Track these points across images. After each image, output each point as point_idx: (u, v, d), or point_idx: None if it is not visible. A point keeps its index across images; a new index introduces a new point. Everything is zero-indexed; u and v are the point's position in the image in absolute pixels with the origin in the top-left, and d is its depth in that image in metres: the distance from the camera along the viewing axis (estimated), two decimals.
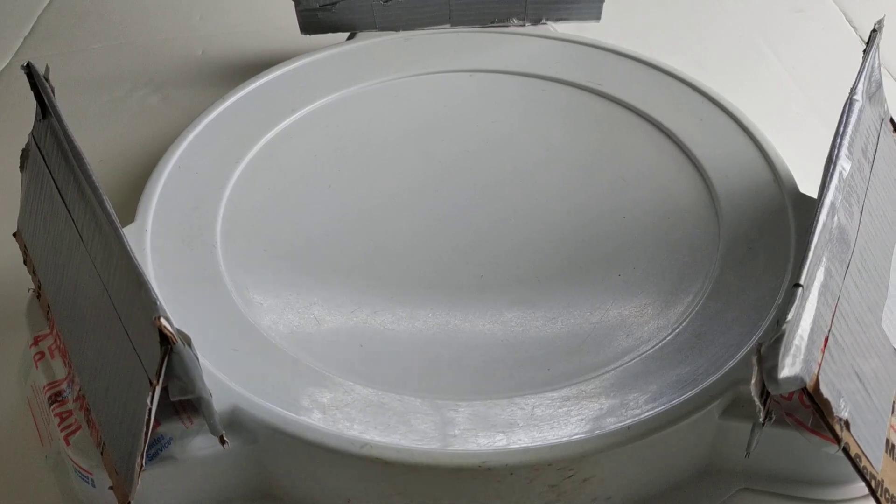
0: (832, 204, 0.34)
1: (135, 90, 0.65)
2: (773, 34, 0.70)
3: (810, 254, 0.32)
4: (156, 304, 0.30)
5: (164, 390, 0.32)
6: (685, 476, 0.39)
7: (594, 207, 0.48)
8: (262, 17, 0.72)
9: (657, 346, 0.40)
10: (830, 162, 0.36)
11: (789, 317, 0.30)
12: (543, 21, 0.61)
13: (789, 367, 0.30)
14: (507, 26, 0.61)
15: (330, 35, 0.61)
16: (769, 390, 0.31)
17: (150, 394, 0.31)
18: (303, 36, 0.62)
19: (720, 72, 0.64)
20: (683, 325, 0.41)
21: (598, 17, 0.62)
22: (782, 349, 0.30)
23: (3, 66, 0.68)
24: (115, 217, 0.34)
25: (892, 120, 0.45)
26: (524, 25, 0.61)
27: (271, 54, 0.65)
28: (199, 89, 0.64)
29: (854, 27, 0.70)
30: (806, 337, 0.31)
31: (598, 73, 0.57)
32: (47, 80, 0.40)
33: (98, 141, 0.60)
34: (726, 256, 0.44)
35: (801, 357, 0.31)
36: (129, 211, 0.46)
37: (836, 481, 0.39)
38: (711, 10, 0.74)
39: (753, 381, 0.30)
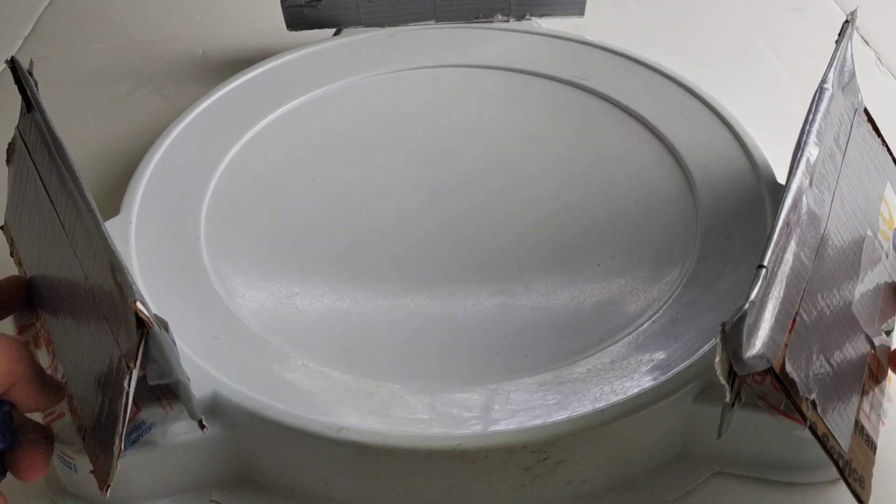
0: (799, 189, 0.35)
1: (135, 90, 0.65)
2: (773, 34, 0.70)
3: (774, 236, 0.33)
4: (132, 287, 0.31)
5: (144, 377, 0.32)
6: (659, 460, 0.39)
7: (575, 199, 0.49)
8: (263, 17, 0.73)
9: (633, 333, 0.41)
10: (798, 148, 0.37)
11: (752, 296, 0.31)
12: (527, 17, 0.62)
13: (755, 347, 0.31)
14: (491, 22, 0.61)
15: (316, 31, 0.62)
16: (735, 370, 0.31)
17: (128, 377, 0.31)
18: (292, 34, 0.62)
19: (720, 72, 0.64)
20: (660, 312, 0.42)
21: (581, 12, 0.62)
22: (745, 329, 0.30)
23: (3, 66, 0.69)
24: (93, 204, 0.34)
25: (866, 110, 0.46)
26: (508, 21, 0.62)
27: (272, 54, 0.66)
28: (200, 89, 0.64)
29: (855, 27, 0.71)
30: (772, 318, 0.32)
31: (580, 67, 0.57)
32: (31, 74, 0.41)
33: (98, 140, 0.60)
34: (704, 245, 0.45)
35: (767, 337, 0.31)
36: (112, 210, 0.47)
37: (808, 465, 0.39)
38: (711, 10, 0.74)
39: (717, 360, 0.31)
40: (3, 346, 0.32)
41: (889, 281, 0.41)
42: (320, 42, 0.60)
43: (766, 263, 0.31)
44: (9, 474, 0.34)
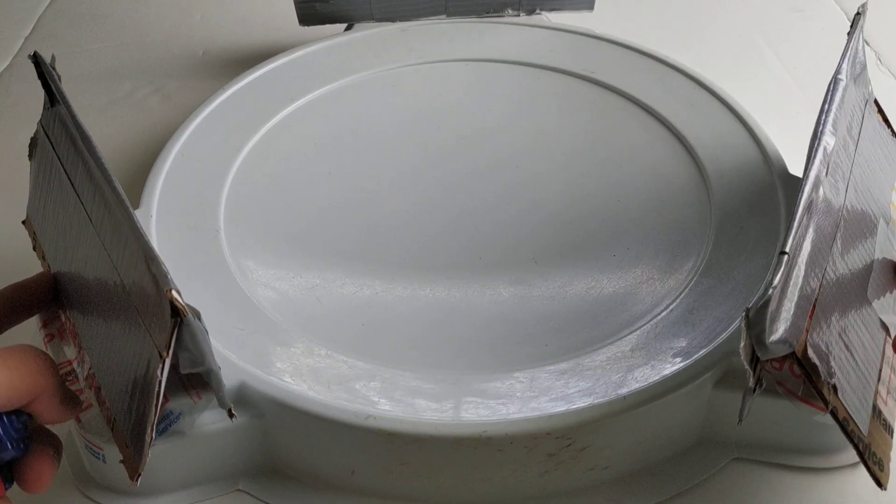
0: (817, 178, 0.36)
1: (135, 91, 0.65)
2: (773, 34, 0.71)
3: (795, 224, 0.33)
4: (167, 276, 0.31)
5: (174, 364, 0.33)
6: (680, 446, 0.40)
7: (589, 191, 0.49)
8: (263, 16, 0.73)
9: (652, 321, 0.41)
10: (815, 138, 0.37)
11: (775, 282, 0.31)
12: (538, 11, 0.62)
13: (777, 332, 0.32)
14: (502, 16, 0.62)
15: (328, 26, 0.62)
16: (758, 355, 0.32)
17: (161, 366, 0.31)
18: (301, 29, 0.63)
19: (720, 71, 0.64)
20: (677, 301, 0.42)
21: (590, 6, 0.63)
22: (769, 314, 0.31)
23: (4, 66, 0.69)
24: (124, 196, 0.35)
25: (876, 101, 0.46)
26: (519, 15, 0.62)
27: (273, 53, 0.66)
28: (200, 90, 0.65)
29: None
30: (793, 304, 0.33)
31: (591, 61, 0.58)
32: (53, 68, 0.41)
33: (98, 141, 0.60)
34: (718, 235, 0.45)
35: (789, 322, 0.32)
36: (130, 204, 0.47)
37: (826, 449, 0.40)
38: (711, 10, 0.74)
39: (742, 345, 0.31)
40: (31, 358, 0.32)
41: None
42: (332, 37, 0.60)
43: (787, 250, 0.32)
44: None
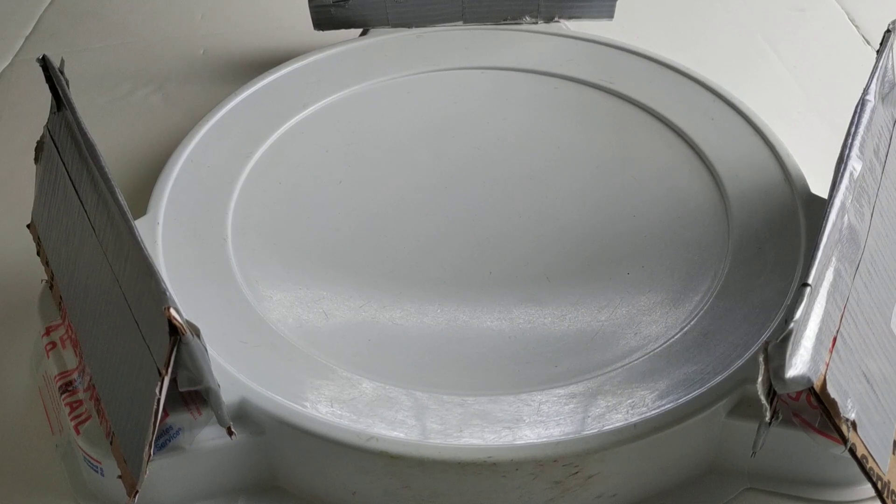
0: (842, 204, 0.34)
1: (136, 90, 0.65)
2: (774, 33, 0.70)
3: (819, 254, 0.32)
4: (165, 294, 0.30)
5: (173, 381, 0.32)
6: (690, 475, 0.39)
7: (604, 206, 0.48)
8: (263, 16, 0.72)
9: (665, 345, 0.40)
10: (841, 162, 0.36)
11: (797, 316, 0.30)
12: (556, 19, 0.61)
13: (796, 367, 0.30)
14: (519, 24, 0.61)
15: (342, 31, 0.61)
16: (776, 389, 0.31)
17: (159, 384, 0.31)
18: (312, 33, 0.62)
19: (721, 70, 0.64)
20: (692, 323, 0.41)
21: (610, 15, 0.62)
22: (789, 348, 0.30)
23: (5, 65, 0.68)
24: (126, 208, 0.34)
25: None
26: (537, 23, 0.61)
27: (273, 53, 0.65)
28: (201, 89, 0.64)
29: (856, 26, 0.70)
30: (814, 337, 0.31)
31: (609, 71, 0.56)
32: (62, 72, 0.41)
33: (99, 140, 0.59)
34: (736, 256, 0.44)
35: (809, 356, 0.31)
36: (133, 208, 0.46)
37: (842, 482, 0.39)
38: (712, 9, 0.73)
39: (760, 379, 0.30)
40: None
41: None
42: (347, 42, 0.59)
43: (810, 282, 0.31)
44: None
